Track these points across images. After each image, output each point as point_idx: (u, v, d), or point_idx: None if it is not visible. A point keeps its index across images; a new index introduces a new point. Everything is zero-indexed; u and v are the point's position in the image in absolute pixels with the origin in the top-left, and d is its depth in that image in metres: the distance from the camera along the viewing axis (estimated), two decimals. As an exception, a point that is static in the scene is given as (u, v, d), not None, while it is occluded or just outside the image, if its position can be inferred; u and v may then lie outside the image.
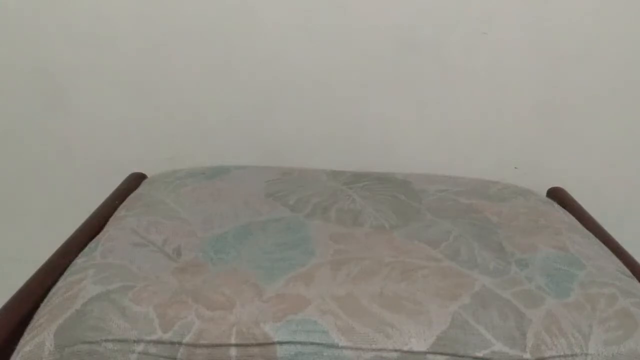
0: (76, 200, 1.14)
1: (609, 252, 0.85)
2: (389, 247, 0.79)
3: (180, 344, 0.61)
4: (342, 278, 0.70)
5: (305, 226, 0.84)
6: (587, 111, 1.14)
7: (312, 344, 0.61)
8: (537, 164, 1.19)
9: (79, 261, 0.74)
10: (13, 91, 1.13)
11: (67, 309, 0.64)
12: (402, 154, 1.19)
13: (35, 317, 0.66)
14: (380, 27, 1.08)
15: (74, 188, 1.20)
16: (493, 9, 1.06)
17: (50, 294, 0.69)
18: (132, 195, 0.97)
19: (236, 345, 0.61)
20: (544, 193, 1.15)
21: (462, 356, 0.62)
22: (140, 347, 0.61)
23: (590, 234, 0.91)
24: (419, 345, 0.62)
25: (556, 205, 1.03)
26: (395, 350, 0.62)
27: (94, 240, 0.80)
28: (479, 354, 0.62)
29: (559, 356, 0.63)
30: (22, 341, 0.63)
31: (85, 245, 0.80)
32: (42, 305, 0.68)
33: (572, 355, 0.63)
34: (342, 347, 0.61)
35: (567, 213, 1.00)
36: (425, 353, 0.62)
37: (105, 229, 0.84)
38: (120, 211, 0.90)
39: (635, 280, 0.78)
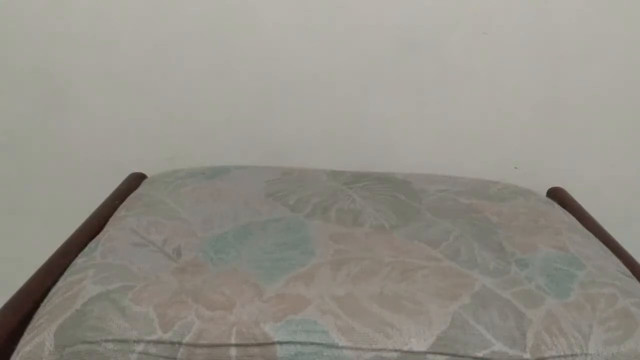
0: (76, 200, 1.14)
1: (609, 252, 0.85)
2: (389, 247, 0.79)
3: (180, 344, 0.61)
4: (342, 278, 0.70)
5: (305, 226, 0.84)
6: (587, 111, 1.14)
7: (312, 344, 0.61)
8: (537, 164, 1.19)
9: (79, 261, 0.74)
10: (13, 91, 1.13)
11: (67, 309, 0.64)
12: (402, 154, 1.19)
13: (35, 317, 0.66)
14: (380, 27, 1.08)
15: (74, 188, 1.20)
16: (493, 9, 1.06)
17: (50, 294, 0.69)
18: (132, 195, 0.97)
19: (236, 345, 0.61)
20: (544, 193, 1.15)
21: (462, 356, 0.62)
22: (140, 347, 0.61)
23: (590, 234, 0.91)
24: (419, 345, 0.62)
25: (556, 205, 1.03)
26: (395, 350, 0.62)
27: (94, 240, 0.80)
28: (479, 354, 0.62)
29: (559, 356, 0.63)
30: (22, 341, 0.63)
31: (85, 245, 0.80)
32: (42, 305, 0.68)
33: (572, 355, 0.63)
34: (342, 347, 0.61)
35: (567, 213, 1.00)
36: (425, 353, 0.62)
37: (105, 229, 0.84)
38: (120, 211, 0.90)
39: (635, 280, 0.78)
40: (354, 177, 1.06)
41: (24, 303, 0.69)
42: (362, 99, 1.14)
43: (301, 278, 0.70)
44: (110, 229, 0.83)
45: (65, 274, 0.72)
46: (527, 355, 0.62)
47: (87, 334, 0.61)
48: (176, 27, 1.08)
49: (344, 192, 0.97)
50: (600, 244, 0.88)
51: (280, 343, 0.61)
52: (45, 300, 0.68)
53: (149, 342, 0.61)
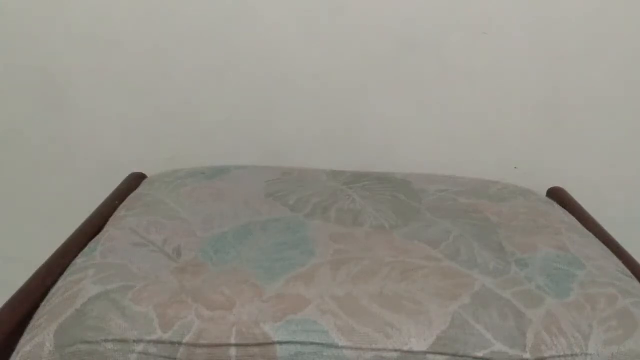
0: (76, 200, 1.14)
1: (609, 252, 0.85)
2: (389, 247, 0.79)
3: (180, 344, 0.61)
4: (342, 278, 0.70)
5: (305, 226, 0.84)
6: (587, 111, 1.14)
7: (312, 344, 0.61)
8: (537, 164, 1.19)
9: (79, 261, 0.74)
10: (13, 91, 1.13)
11: (67, 309, 0.64)
12: (402, 154, 1.19)
13: (35, 317, 0.66)
14: (380, 27, 1.08)
15: (74, 188, 1.20)
16: (493, 9, 1.06)
17: (50, 294, 0.69)
18: (132, 195, 0.97)
19: (236, 345, 0.61)
20: (544, 193, 1.15)
21: (462, 356, 0.62)
22: (140, 347, 0.61)
23: (590, 234, 0.91)
24: (419, 345, 0.62)
25: (556, 205, 1.03)
26: (395, 350, 0.62)
27: (94, 240, 0.80)
28: (479, 354, 0.62)
29: (559, 356, 0.63)
30: (22, 341, 0.63)
31: (85, 245, 0.80)
32: (42, 305, 0.68)
33: (572, 355, 0.63)
34: (342, 347, 0.62)
35: (567, 213, 1.00)
36: (425, 353, 0.62)
37: (105, 229, 0.84)
38: (120, 211, 0.90)
39: (635, 280, 0.78)
40: (354, 177, 1.06)
41: (24, 303, 0.69)
42: (362, 99, 1.14)
43: (301, 278, 0.70)
44: (110, 229, 0.83)
45: (65, 274, 0.72)
46: (527, 355, 0.62)
47: (87, 334, 0.61)
48: (176, 27, 1.08)
49: (344, 192, 0.97)
50: (600, 244, 0.88)
51: (280, 343, 0.61)
52: (45, 300, 0.68)
53: (149, 342, 0.61)
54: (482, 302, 0.67)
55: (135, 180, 1.06)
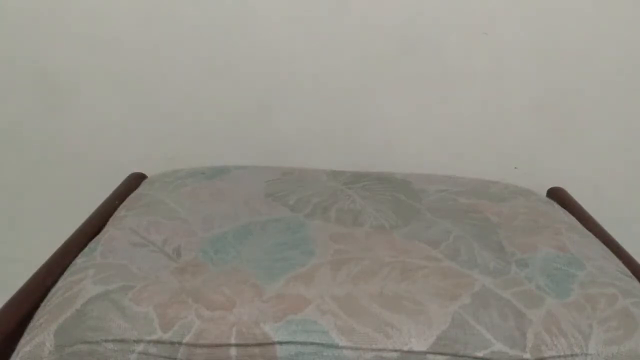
0: (76, 200, 1.14)
1: (609, 252, 0.85)
2: (389, 247, 0.79)
3: (180, 344, 0.61)
4: (342, 278, 0.70)
5: (305, 226, 0.84)
6: (587, 111, 1.14)
7: (312, 344, 0.61)
8: (537, 164, 1.19)
9: (79, 261, 0.74)
10: (13, 91, 1.13)
11: (67, 309, 0.64)
12: (402, 154, 1.19)
13: (35, 317, 0.66)
14: (380, 27, 1.08)
15: (74, 188, 1.20)
16: (493, 9, 1.06)
17: (50, 294, 0.69)
18: (132, 195, 0.97)
19: (236, 345, 0.61)
20: (544, 193, 1.15)
21: (462, 356, 0.62)
22: (140, 347, 0.61)
23: (590, 234, 0.91)
24: (419, 345, 0.62)
25: (556, 205, 1.03)
26: (395, 350, 0.62)
27: (94, 240, 0.80)
28: (479, 354, 0.62)
29: (559, 356, 0.63)
30: (22, 341, 0.63)
31: (85, 245, 0.80)
32: (42, 305, 0.68)
33: (572, 355, 0.63)
34: (342, 347, 0.62)
35: (567, 213, 1.00)
36: (426, 353, 0.62)
37: (105, 229, 0.84)
38: (120, 211, 0.90)
39: (635, 280, 0.78)
40: (354, 177, 1.06)
41: (24, 303, 0.69)
42: (362, 99, 1.14)
43: (301, 278, 0.70)
44: (110, 229, 0.83)
45: (65, 274, 0.72)
46: (527, 355, 0.62)
47: (87, 334, 0.61)
48: (176, 27, 1.08)
49: (344, 192, 0.97)
50: (600, 244, 0.88)
51: (280, 343, 0.61)
52: (45, 300, 0.68)
53: (149, 342, 0.61)
54: (482, 302, 0.67)
55: (135, 180, 1.06)
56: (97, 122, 1.16)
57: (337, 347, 0.61)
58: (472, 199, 0.98)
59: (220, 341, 0.61)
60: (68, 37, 1.08)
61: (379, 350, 0.62)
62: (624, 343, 0.64)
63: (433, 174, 1.12)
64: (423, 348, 0.62)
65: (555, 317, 0.66)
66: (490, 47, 1.09)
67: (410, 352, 0.62)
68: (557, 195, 1.12)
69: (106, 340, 0.61)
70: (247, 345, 0.61)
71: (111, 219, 0.88)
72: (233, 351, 0.61)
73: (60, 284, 0.70)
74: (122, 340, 0.61)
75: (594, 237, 0.90)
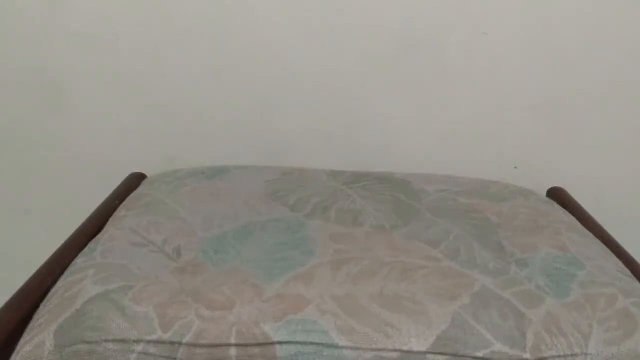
0: (76, 200, 1.14)
1: (609, 252, 0.85)
2: (389, 247, 0.79)
3: (180, 344, 0.61)
4: (342, 278, 0.70)
5: (305, 226, 0.84)
6: (587, 111, 1.14)
7: (312, 344, 0.61)
8: (537, 164, 1.19)
9: (79, 261, 0.74)
10: (13, 91, 1.13)
11: (67, 309, 0.64)
12: (402, 154, 1.19)
13: (35, 317, 0.66)
14: (380, 27, 1.08)
15: (74, 188, 1.20)
16: (493, 9, 1.06)
17: (50, 294, 0.69)
18: (132, 195, 0.97)
19: (236, 345, 0.61)
20: (544, 193, 1.15)
21: (462, 356, 0.62)
22: (140, 347, 0.61)
23: (590, 234, 0.91)
24: (419, 345, 0.62)
25: (556, 205, 1.03)
26: (395, 350, 0.62)
27: (94, 240, 0.80)
28: (479, 354, 0.62)
29: (559, 356, 0.63)
30: (22, 341, 0.63)
31: (85, 245, 0.80)
32: (42, 305, 0.68)
33: (572, 355, 0.63)
34: (342, 347, 0.61)
35: (567, 213, 1.00)
36: (425, 353, 0.62)
37: (105, 229, 0.84)
38: (120, 211, 0.90)
39: (635, 280, 0.78)
40: (354, 177, 1.06)
41: (24, 303, 0.69)
42: (362, 99, 1.14)
43: (301, 278, 0.70)
44: (110, 229, 0.83)
45: (65, 274, 0.72)
46: (527, 355, 0.62)
47: (87, 334, 0.61)
48: (176, 27, 1.08)
49: (344, 192, 0.97)
50: (600, 244, 0.88)
51: (280, 343, 0.61)
52: (45, 300, 0.68)
53: (149, 342, 0.61)
54: (482, 302, 0.67)
55: (135, 180, 1.06)
56: (97, 122, 1.16)
57: (337, 347, 0.61)
58: (472, 199, 0.98)
59: (220, 341, 0.61)
60: (68, 36, 1.08)
61: (379, 350, 0.62)
62: (624, 343, 0.64)
63: (433, 174, 1.12)
64: (423, 348, 0.62)
65: (555, 317, 0.66)
66: (490, 47, 1.09)
67: (410, 352, 0.62)
68: (557, 195, 1.12)
69: (106, 340, 0.61)
70: (247, 345, 0.61)
71: (111, 219, 0.88)
72: (233, 351, 0.61)
73: (60, 284, 0.70)
74: (122, 340, 0.61)
75: (594, 237, 0.90)
